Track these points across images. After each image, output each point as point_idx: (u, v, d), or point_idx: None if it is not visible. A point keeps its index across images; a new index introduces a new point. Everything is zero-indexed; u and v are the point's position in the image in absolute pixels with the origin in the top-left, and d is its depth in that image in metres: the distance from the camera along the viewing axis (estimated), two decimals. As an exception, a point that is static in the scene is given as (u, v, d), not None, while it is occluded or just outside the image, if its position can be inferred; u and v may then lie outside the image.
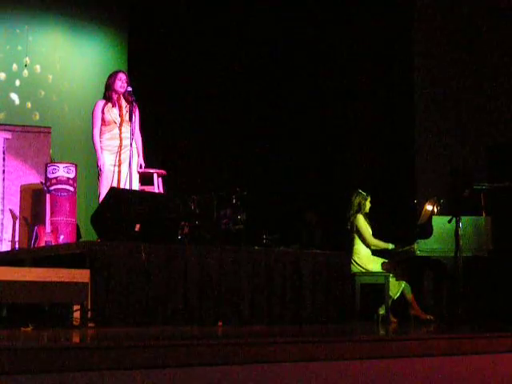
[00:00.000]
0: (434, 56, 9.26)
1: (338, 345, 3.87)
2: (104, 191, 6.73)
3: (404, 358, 4.03)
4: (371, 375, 3.86)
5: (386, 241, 7.37)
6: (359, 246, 7.34)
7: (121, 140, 6.93)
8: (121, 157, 6.92)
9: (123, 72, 7.18)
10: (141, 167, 7.07)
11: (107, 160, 6.94)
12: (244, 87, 10.50)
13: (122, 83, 6.96)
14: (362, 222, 7.32)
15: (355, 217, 7.35)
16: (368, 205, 7.43)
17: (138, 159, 7.05)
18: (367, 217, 7.41)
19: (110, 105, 6.97)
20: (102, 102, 7.00)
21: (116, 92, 6.97)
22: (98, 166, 6.96)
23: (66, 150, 9.48)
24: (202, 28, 10.48)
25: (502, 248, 7.14)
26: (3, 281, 4.90)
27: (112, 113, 6.95)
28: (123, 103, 6.99)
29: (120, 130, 6.94)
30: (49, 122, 9.65)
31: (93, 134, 7.00)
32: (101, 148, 6.95)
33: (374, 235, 7.38)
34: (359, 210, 7.38)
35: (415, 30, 9.39)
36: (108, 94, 7.01)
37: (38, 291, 4.99)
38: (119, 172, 6.91)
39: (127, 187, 6.72)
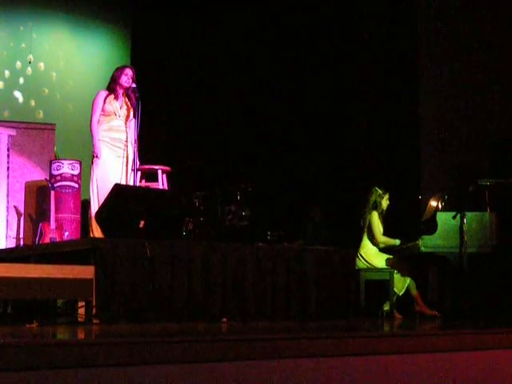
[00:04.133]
0: (439, 52, 9.25)
1: (343, 341, 3.87)
2: (98, 179, 6.76)
3: (409, 354, 4.02)
4: (376, 371, 3.86)
5: (392, 237, 7.36)
6: (367, 242, 7.34)
7: (126, 134, 6.92)
8: (128, 151, 6.91)
9: (130, 68, 7.14)
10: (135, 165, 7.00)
11: (106, 152, 6.90)
12: (249, 83, 10.49)
13: (127, 78, 6.93)
14: (375, 219, 7.30)
15: (370, 213, 7.34)
16: (385, 202, 7.40)
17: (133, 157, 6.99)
18: (382, 215, 7.38)
19: (112, 96, 6.95)
20: (104, 92, 6.97)
21: (120, 86, 6.96)
22: (94, 152, 6.88)
23: (70, 147, 9.49)
24: (205, 24, 10.48)
25: (506, 244, 7.13)
26: (8, 277, 4.91)
27: (114, 104, 6.92)
28: (125, 99, 6.98)
29: (126, 124, 6.92)
30: (53, 119, 9.65)
31: (91, 122, 6.92)
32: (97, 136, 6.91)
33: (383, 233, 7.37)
34: (375, 207, 7.36)
35: (419, 27, 9.38)
36: (112, 86, 6.97)
37: (43, 288, 5.00)
38: (127, 166, 6.89)
39: (123, 182, 6.72)
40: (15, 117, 9.59)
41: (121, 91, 6.97)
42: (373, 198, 7.39)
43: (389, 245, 7.35)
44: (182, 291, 5.70)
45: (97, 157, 6.86)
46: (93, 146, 6.93)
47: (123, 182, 6.81)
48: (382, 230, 7.35)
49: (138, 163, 7.03)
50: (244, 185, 8.19)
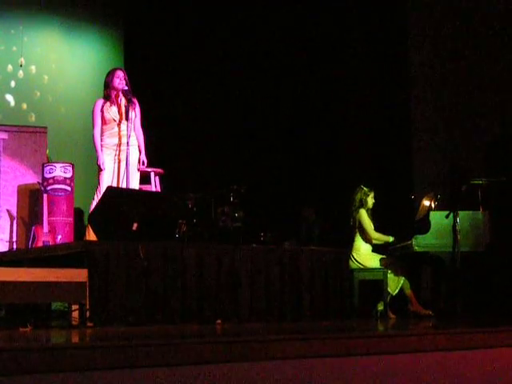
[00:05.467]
0: (431, 52, 9.26)
1: (337, 341, 3.87)
2: (103, 189, 6.73)
3: (403, 354, 4.03)
4: (370, 371, 3.86)
5: (385, 234, 7.38)
6: (359, 243, 7.33)
7: (120, 138, 6.91)
8: (120, 155, 6.90)
9: (121, 69, 7.16)
10: (143, 164, 7.05)
11: (107, 158, 6.91)
12: (242, 84, 10.49)
13: (120, 80, 6.94)
14: (365, 217, 7.31)
15: (358, 212, 7.34)
16: (371, 200, 7.41)
17: (139, 156, 7.03)
18: (370, 213, 7.40)
19: (108, 103, 6.96)
20: (101, 101, 6.99)
21: (114, 89, 6.96)
22: (98, 164, 6.92)
23: (62, 150, 9.47)
24: (198, 25, 10.47)
25: (499, 243, 7.14)
26: (1, 281, 4.89)
27: (111, 111, 6.94)
28: (122, 101, 6.97)
29: (119, 127, 6.93)
30: (45, 122, 9.63)
31: (93, 134, 6.97)
32: (101, 146, 6.93)
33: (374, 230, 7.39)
34: (361, 205, 7.37)
35: (411, 26, 9.39)
36: (107, 93, 7.00)
37: (37, 291, 4.99)
38: (119, 169, 6.90)
39: (124, 186, 6.71)
40: (7, 120, 9.56)
41: (115, 95, 6.98)
42: (358, 196, 7.41)
43: (382, 241, 7.36)
44: (175, 293, 5.70)
45: (101, 169, 6.88)
46: (96, 157, 6.95)
47: (121, 185, 6.79)
48: (373, 226, 7.37)
49: (146, 161, 7.07)
50: (237, 186, 8.18)
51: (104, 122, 6.94)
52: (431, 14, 9.29)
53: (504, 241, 7.30)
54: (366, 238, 7.33)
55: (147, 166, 7.28)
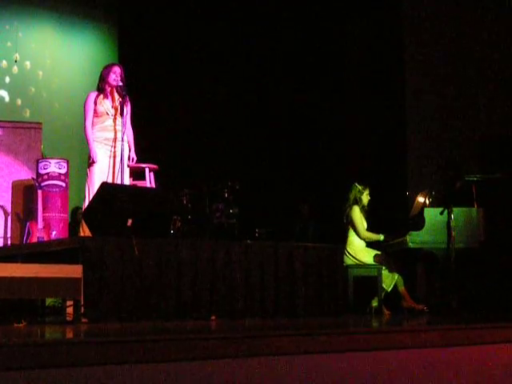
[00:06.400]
0: (425, 50, 9.27)
1: (332, 337, 3.88)
2: (95, 183, 6.71)
3: (397, 350, 4.04)
4: (365, 367, 3.87)
5: (378, 233, 7.39)
6: (353, 238, 7.35)
7: (115, 133, 6.91)
8: (115, 149, 6.90)
9: (118, 65, 7.14)
10: (132, 161, 7.04)
11: (99, 152, 6.90)
12: (237, 81, 10.48)
13: (115, 76, 6.93)
14: (357, 214, 7.33)
15: (351, 208, 7.36)
16: (366, 198, 7.43)
17: (129, 153, 7.02)
18: (364, 210, 7.41)
19: (102, 96, 6.94)
20: (94, 94, 6.98)
21: (109, 84, 6.95)
22: (90, 157, 6.90)
23: (57, 146, 9.45)
24: (192, 21, 10.46)
25: (493, 239, 7.16)
26: (-4, 277, 4.88)
27: (104, 104, 6.92)
28: (116, 96, 6.97)
29: (114, 122, 6.92)
30: (39, 118, 9.59)
31: (85, 126, 6.95)
32: (92, 140, 6.92)
33: (368, 228, 7.39)
34: (355, 202, 7.39)
35: (405, 24, 9.40)
36: (101, 86, 6.98)
37: (31, 287, 4.98)
38: (114, 164, 6.88)
39: (119, 181, 6.70)
40: (1, 116, 9.52)
41: (110, 89, 6.96)
42: (352, 194, 7.43)
43: (373, 240, 7.37)
44: (170, 289, 5.69)
45: (94, 161, 6.85)
46: (88, 150, 6.93)
47: (116, 180, 6.79)
48: (365, 225, 7.38)
49: (135, 158, 7.06)
50: (232, 182, 8.18)
51: (96, 114, 6.92)
52: (426, 15, 9.29)
53: (498, 237, 7.32)
54: (359, 236, 7.36)
55: (141, 162, 7.28)
